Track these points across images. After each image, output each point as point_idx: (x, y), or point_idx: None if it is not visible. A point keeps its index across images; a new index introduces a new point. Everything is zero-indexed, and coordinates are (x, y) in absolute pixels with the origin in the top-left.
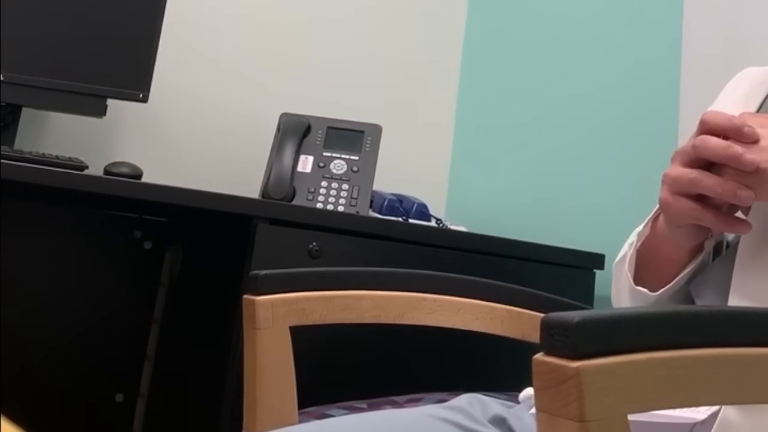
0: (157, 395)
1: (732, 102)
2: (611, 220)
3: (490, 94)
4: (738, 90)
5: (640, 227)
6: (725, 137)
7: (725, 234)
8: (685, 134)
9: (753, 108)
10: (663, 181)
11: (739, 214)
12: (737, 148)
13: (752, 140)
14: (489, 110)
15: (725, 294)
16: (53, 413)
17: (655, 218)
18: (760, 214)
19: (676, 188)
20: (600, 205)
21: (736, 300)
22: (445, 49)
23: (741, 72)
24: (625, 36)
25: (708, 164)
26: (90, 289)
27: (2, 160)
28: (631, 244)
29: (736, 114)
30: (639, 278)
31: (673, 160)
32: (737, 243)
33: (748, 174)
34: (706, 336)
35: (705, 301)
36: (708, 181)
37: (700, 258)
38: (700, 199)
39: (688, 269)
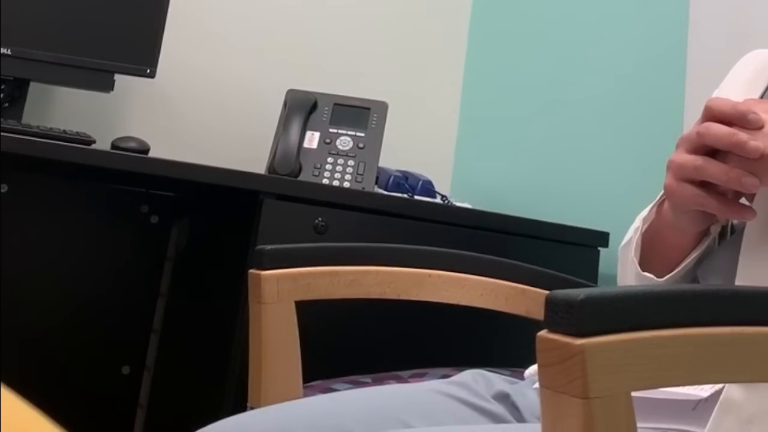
0: (163, 368)
1: (737, 87)
2: (616, 198)
3: (496, 72)
4: (743, 74)
5: (645, 212)
6: (730, 124)
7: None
8: (691, 114)
9: (758, 92)
10: (668, 168)
11: (743, 200)
12: (742, 135)
13: (757, 127)
14: (495, 88)
15: (731, 279)
16: (60, 385)
17: (660, 203)
18: (766, 199)
19: (681, 175)
20: (605, 183)
21: (742, 284)
22: (451, 27)
23: (747, 55)
24: (633, 19)
25: (713, 150)
26: (97, 263)
27: (10, 135)
28: (637, 229)
29: (741, 99)
30: (645, 263)
31: (677, 146)
32: (743, 228)
33: (753, 161)
34: (710, 315)
35: None
36: (713, 169)
37: (705, 243)
38: (705, 185)
39: (694, 255)
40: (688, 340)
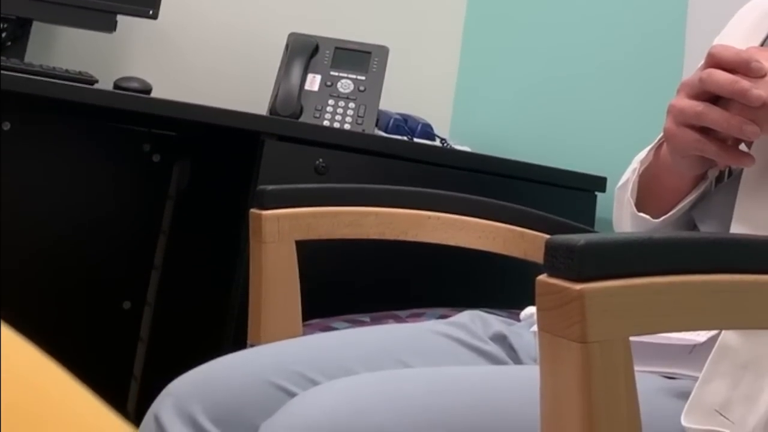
0: (163, 304)
1: (739, 34)
2: (614, 143)
3: (497, 17)
4: (745, 22)
5: (643, 154)
6: (732, 71)
7: None
8: (691, 60)
9: (759, 39)
10: (668, 112)
11: (743, 146)
12: (744, 83)
13: (759, 75)
14: (495, 33)
15: (727, 222)
16: (62, 319)
17: (658, 146)
18: (764, 144)
19: (682, 119)
20: (604, 128)
21: (738, 228)
22: None
23: (748, 3)
24: None
25: (714, 97)
26: (99, 201)
27: (13, 73)
28: (634, 170)
29: (743, 47)
30: (641, 204)
31: (679, 91)
32: (740, 171)
33: (754, 109)
34: (708, 262)
35: (707, 228)
36: (714, 115)
37: (702, 187)
38: (705, 131)
39: (690, 198)
40: (687, 286)
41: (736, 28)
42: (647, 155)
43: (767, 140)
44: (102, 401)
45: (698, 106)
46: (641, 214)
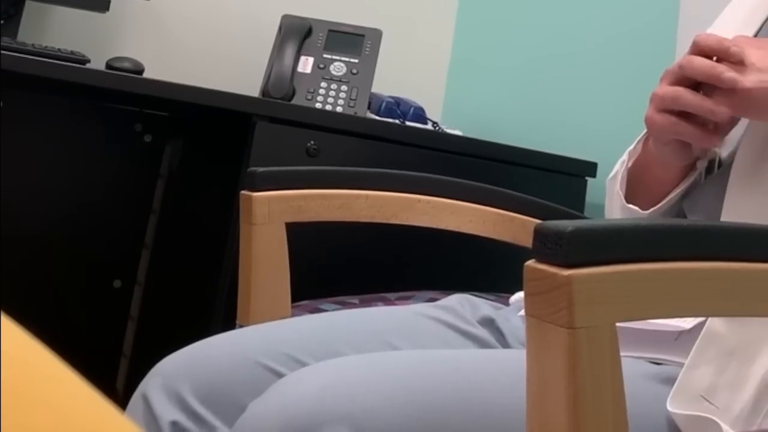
0: (154, 283)
1: (732, 25)
2: (606, 128)
3: (490, 1)
4: (738, 13)
5: (632, 146)
6: (718, 59)
7: (718, 154)
8: (683, 46)
9: (752, 31)
10: (650, 100)
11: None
12: (720, 67)
13: (737, 60)
14: (488, 17)
15: (717, 214)
16: (53, 297)
17: (646, 138)
18: (754, 134)
19: (661, 105)
20: (595, 113)
21: (727, 219)
22: None
23: None
24: None
25: (697, 85)
26: (90, 180)
27: (6, 52)
28: (623, 162)
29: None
30: (631, 196)
31: (661, 79)
32: (730, 163)
33: (732, 93)
34: (696, 249)
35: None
36: (688, 98)
37: (691, 178)
38: (685, 117)
39: (679, 189)
40: (674, 273)
41: (729, 19)
42: (635, 147)
43: (758, 131)
44: (91, 381)
45: (676, 90)
46: (630, 206)
